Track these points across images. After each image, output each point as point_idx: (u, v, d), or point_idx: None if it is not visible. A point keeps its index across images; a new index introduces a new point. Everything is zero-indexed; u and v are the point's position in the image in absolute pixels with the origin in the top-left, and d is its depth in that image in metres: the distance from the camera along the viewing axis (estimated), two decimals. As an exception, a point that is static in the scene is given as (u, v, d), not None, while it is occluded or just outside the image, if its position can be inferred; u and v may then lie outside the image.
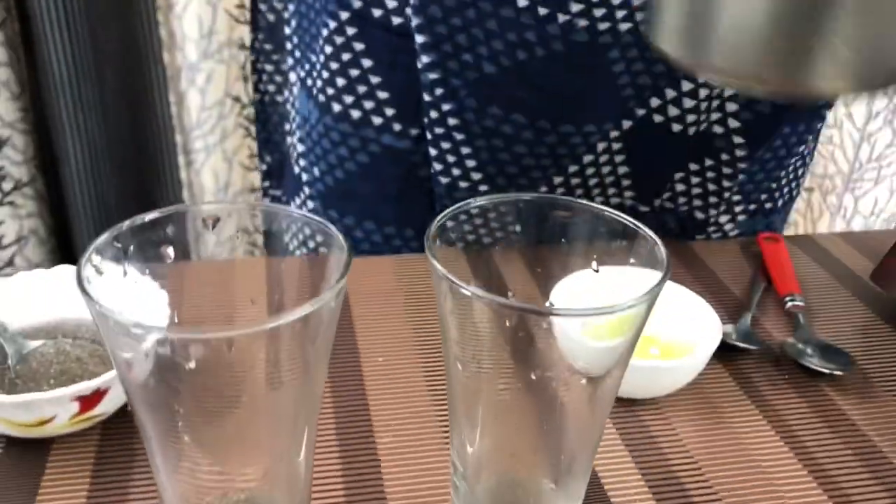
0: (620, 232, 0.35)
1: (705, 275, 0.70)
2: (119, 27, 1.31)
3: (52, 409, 0.45)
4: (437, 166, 0.69)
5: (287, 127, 0.80)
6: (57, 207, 1.43)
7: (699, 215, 0.75)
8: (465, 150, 0.68)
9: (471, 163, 0.68)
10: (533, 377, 0.32)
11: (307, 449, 0.35)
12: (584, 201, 0.36)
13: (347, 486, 0.47)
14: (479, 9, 0.61)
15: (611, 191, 0.72)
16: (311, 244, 0.34)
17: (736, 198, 0.75)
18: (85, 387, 0.45)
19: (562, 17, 0.60)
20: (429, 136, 0.68)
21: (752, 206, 0.76)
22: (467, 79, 0.64)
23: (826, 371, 0.57)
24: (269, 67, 0.83)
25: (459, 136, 0.67)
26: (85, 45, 1.29)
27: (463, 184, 0.70)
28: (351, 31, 0.66)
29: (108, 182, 1.40)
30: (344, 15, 0.66)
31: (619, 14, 0.60)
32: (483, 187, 0.70)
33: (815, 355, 0.58)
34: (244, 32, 1.37)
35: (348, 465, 0.48)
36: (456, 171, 0.69)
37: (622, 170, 0.70)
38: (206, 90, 1.41)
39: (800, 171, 0.80)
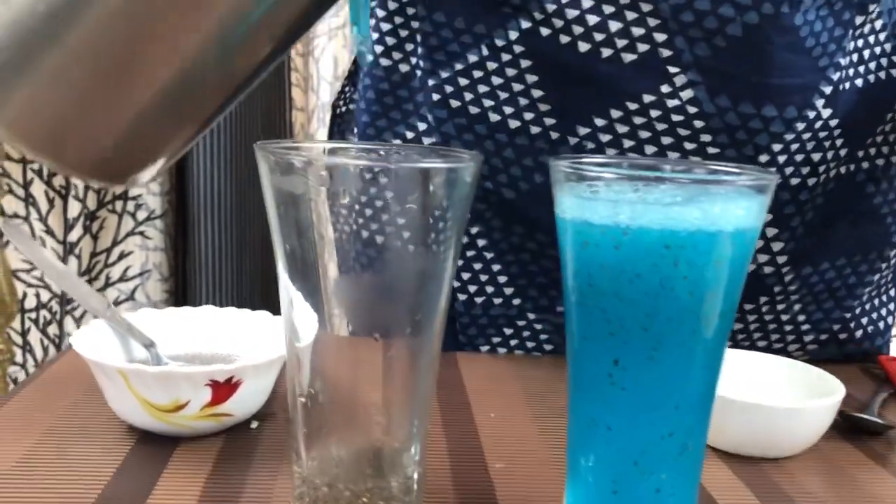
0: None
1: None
2: (262, 225, 1.47)
3: (188, 389, 0.48)
4: (471, 288, 0.71)
5: None
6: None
7: (761, 344, 0.74)
8: (495, 267, 0.70)
9: (502, 278, 0.71)
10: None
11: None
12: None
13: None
14: (496, 140, 0.66)
15: None
16: None
17: (805, 327, 0.73)
18: (219, 370, 0.49)
19: (572, 140, 0.64)
20: (460, 262, 0.70)
21: (824, 336, 0.74)
22: (490, 202, 0.68)
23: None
24: None
25: (489, 255, 0.70)
26: (230, 238, 1.44)
27: (497, 300, 0.71)
28: None
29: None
30: None
31: (627, 144, 0.63)
32: (516, 301, 0.71)
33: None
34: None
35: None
36: (489, 289, 0.71)
37: None
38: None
39: (885, 302, 0.76)
